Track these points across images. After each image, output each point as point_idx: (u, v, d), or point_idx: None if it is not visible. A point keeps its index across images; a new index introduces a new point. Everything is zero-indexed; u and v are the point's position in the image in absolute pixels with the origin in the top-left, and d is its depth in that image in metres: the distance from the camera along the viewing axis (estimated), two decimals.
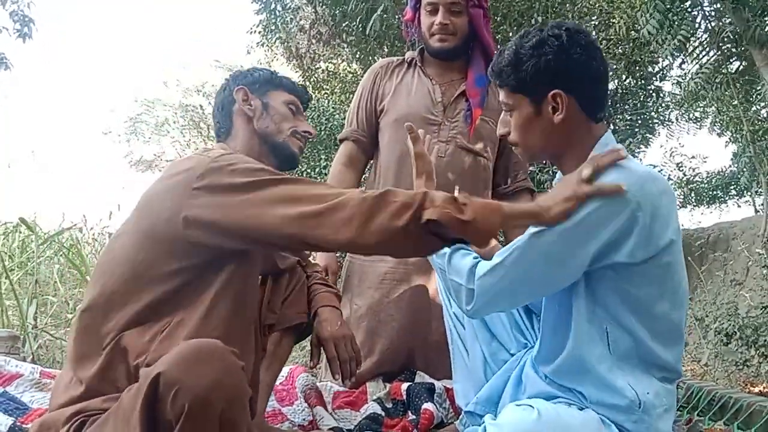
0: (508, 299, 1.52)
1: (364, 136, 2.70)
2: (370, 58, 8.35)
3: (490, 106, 2.57)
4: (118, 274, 1.46)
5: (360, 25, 7.71)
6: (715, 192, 11.98)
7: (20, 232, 5.69)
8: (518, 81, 1.49)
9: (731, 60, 7.57)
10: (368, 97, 2.70)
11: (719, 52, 7.28)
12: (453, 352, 1.94)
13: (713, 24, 7.15)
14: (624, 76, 7.94)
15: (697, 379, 4.27)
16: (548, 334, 1.56)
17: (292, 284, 1.90)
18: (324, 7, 8.62)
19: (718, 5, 6.84)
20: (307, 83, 10.40)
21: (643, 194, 1.35)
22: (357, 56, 9.02)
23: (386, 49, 8.11)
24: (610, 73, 7.39)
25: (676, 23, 6.37)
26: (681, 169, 12.32)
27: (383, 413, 2.11)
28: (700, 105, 10.95)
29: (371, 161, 2.79)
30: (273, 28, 9.73)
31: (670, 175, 12.08)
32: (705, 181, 12.07)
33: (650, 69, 8.31)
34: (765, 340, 4.60)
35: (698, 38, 7.36)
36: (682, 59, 8.00)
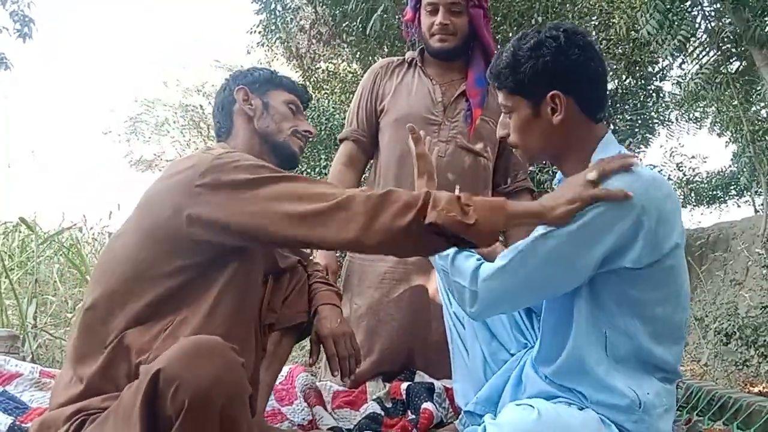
0: (512, 302, 1.52)
1: (365, 136, 2.70)
2: (370, 58, 8.35)
3: (490, 106, 2.57)
4: (118, 274, 1.46)
5: (360, 25, 7.71)
6: (714, 192, 11.99)
7: (20, 232, 5.69)
8: (516, 83, 1.50)
9: (731, 60, 7.57)
10: (368, 97, 2.70)
11: (719, 52, 7.28)
12: (453, 351, 1.94)
13: (713, 24, 7.15)
14: (624, 76, 7.94)
15: (697, 379, 4.27)
16: (548, 334, 1.56)
17: (292, 284, 1.90)
18: (324, 7, 8.62)
19: (718, 5, 6.85)
20: (307, 83, 10.40)
21: (649, 198, 1.35)
22: (357, 56, 9.02)
23: (386, 49, 8.11)
24: (610, 73, 7.41)
25: (676, 23, 6.37)
26: (681, 169, 12.33)
27: (383, 413, 2.11)
28: (700, 105, 10.96)
29: (371, 161, 2.79)
30: (273, 28, 9.73)
31: (670, 175, 12.09)
32: (705, 181, 12.08)
33: (650, 69, 8.31)
34: (764, 340, 4.61)
35: (698, 38, 7.36)
36: (682, 59, 8.01)
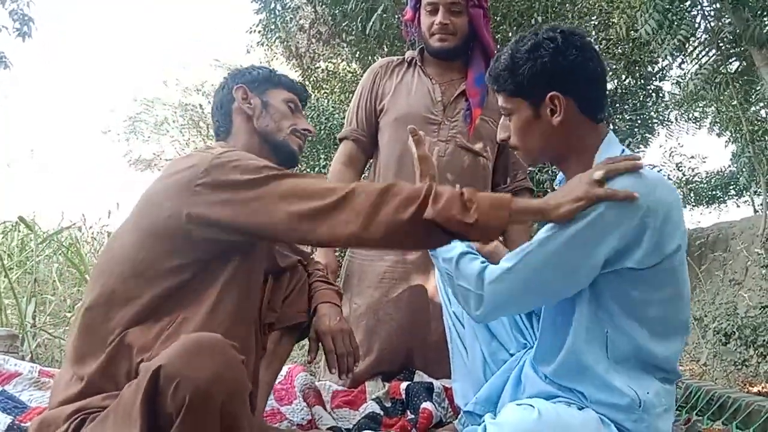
0: (517, 305, 1.53)
1: (364, 136, 2.70)
2: (370, 57, 8.34)
3: (489, 106, 2.58)
4: (117, 273, 1.46)
5: (360, 25, 7.70)
6: (714, 192, 11.98)
7: (19, 231, 5.68)
8: (515, 85, 1.50)
9: (730, 60, 7.56)
10: (368, 96, 2.70)
11: (718, 52, 7.27)
12: (452, 351, 1.94)
13: (712, 24, 7.15)
14: (623, 76, 7.94)
15: (696, 378, 4.27)
16: (548, 333, 1.56)
17: (293, 283, 1.90)
18: (324, 6, 8.61)
19: (718, 5, 6.84)
20: (307, 83, 10.39)
21: (654, 200, 1.35)
22: (356, 56, 9.01)
23: (386, 49, 8.10)
24: (610, 73, 7.41)
25: (676, 23, 6.36)
26: (680, 169, 12.32)
27: (382, 412, 2.11)
28: (700, 105, 10.95)
29: (371, 160, 2.79)
30: (273, 27, 9.72)
31: (669, 175, 12.08)
32: (704, 181, 12.07)
33: (650, 69, 8.31)
34: (764, 340, 4.60)
35: (698, 38, 7.36)
36: (682, 59, 8.00)
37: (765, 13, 6.35)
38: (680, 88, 9.92)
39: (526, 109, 1.51)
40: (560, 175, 1.66)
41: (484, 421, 1.40)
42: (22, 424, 1.74)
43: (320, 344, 1.84)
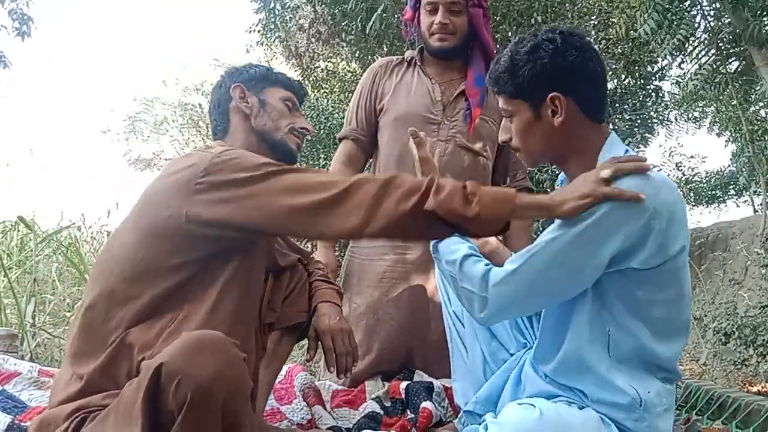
0: (522, 307, 1.52)
1: (364, 135, 2.70)
2: (370, 57, 8.33)
3: (489, 106, 2.58)
4: (117, 273, 1.46)
5: (359, 25, 7.70)
6: (714, 192, 11.99)
7: (19, 231, 5.68)
8: (516, 87, 1.50)
9: (730, 60, 7.56)
10: (368, 96, 2.70)
11: (718, 52, 7.27)
12: (452, 350, 1.94)
13: (712, 24, 7.14)
14: (623, 76, 7.93)
15: (696, 378, 4.27)
16: (548, 332, 1.56)
17: (293, 283, 1.89)
18: (323, 6, 8.61)
19: (717, 5, 6.84)
20: (307, 82, 10.38)
21: (660, 201, 1.35)
22: (356, 55, 9.00)
23: (385, 49, 8.10)
24: (609, 73, 7.40)
25: (675, 23, 6.36)
26: (680, 168, 12.32)
27: (382, 412, 2.11)
28: (699, 105, 10.96)
29: (370, 160, 2.79)
30: (272, 27, 9.71)
31: (669, 174, 12.07)
32: (704, 181, 12.07)
33: (649, 69, 8.29)
34: (763, 340, 4.61)
35: (697, 38, 7.36)
36: (681, 59, 8.00)
37: (765, 13, 6.35)
38: (680, 87, 9.92)
39: (526, 111, 1.51)
40: (561, 175, 1.66)
41: (484, 420, 1.40)
42: (22, 424, 1.74)
43: (319, 343, 1.84)
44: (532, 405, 1.36)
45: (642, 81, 8.16)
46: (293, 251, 1.95)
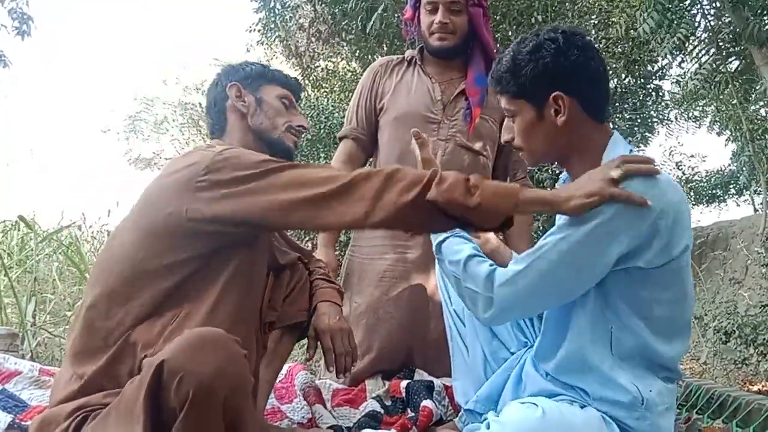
0: (527, 307, 1.52)
1: (364, 134, 2.70)
2: (370, 56, 8.33)
3: (489, 105, 2.58)
4: (117, 272, 1.46)
5: (359, 24, 7.69)
6: (714, 191, 11.97)
7: (19, 230, 5.69)
8: (518, 87, 1.50)
9: (730, 59, 7.56)
10: (368, 95, 2.70)
11: (718, 51, 7.27)
12: (453, 349, 1.94)
13: (712, 23, 7.14)
14: (623, 75, 7.93)
15: (696, 377, 4.27)
16: (551, 330, 1.56)
17: (293, 281, 1.89)
18: (323, 5, 8.60)
19: (717, 4, 6.84)
20: (307, 81, 10.38)
21: (667, 201, 1.36)
22: (356, 55, 8.99)
23: (386, 48, 8.09)
24: (610, 72, 7.39)
25: (675, 22, 6.36)
26: (680, 168, 12.30)
27: (382, 411, 2.11)
28: (700, 104, 10.95)
29: (370, 159, 2.79)
30: (272, 26, 9.71)
31: (669, 174, 12.04)
32: (704, 180, 12.06)
33: (649, 68, 8.29)
34: (764, 339, 4.61)
35: (697, 37, 7.35)
36: (682, 58, 7.99)
37: (765, 12, 6.34)
38: (680, 86, 9.91)
39: (529, 111, 1.51)
40: (564, 175, 1.66)
41: (485, 419, 1.40)
42: (23, 423, 1.74)
43: (319, 343, 1.84)
44: (534, 404, 1.36)
45: (642, 80, 8.16)
46: (293, 249, 1.95)
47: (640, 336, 1.43)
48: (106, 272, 1.49)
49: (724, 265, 7.36)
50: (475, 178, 1.37)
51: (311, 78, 10.51)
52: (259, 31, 9.97)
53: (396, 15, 7.03)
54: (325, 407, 2.12)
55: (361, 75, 2.93)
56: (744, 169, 10.26)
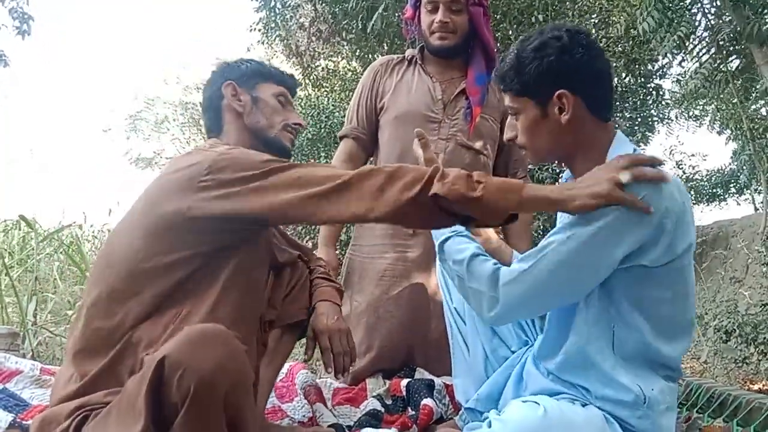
0: (532, 306, 1.50)
1: (364, 134, 2.70)
2: (370, 55, 8.34)
3: (489, 104, 2.58)
4: (117, 271, 1.46)
5: (360, 23, 7.70)
6: (714, 190, 11.96)
7: (20, 230, 5.70)
8: (522, 84, 1.49)
9: (731, 58, 7.56)
10: (368, 94, 2.70)
11: (719, 50, 7.26)
12: (453, 347, 1.94)
13: (713, 21, 7.14)
14: (624, 74, 7.93)
15: (697, 376, 4.28)
16: (553, 329, 1.56)
17: (294, 280, 1.89)
18: (324, 4, 8.61)
19: (718, 2, 6.84)
20: (307, 81, 10.39)
21: (672, 201, 1.35)
22: (357, 54, 9.00)
23: (386, 47, 8.10)
24: None
25: (675, 21, 6.36)
26: (680, 167, 12.30)
27: (383, 409, 2.11)
28: (700, 103, 10.96)
29: (371, 158, 2.79)
30: (273, 25, 9.71)
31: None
32: (705, 179, 12.05)
33: (650, 67, 8.29)
34: (764, 338, 4.61)
35: (698, 36, 7.35)
36: (682, 57, 7.99)
37: (765, 11, 6.34)
38: (680, 85, 9.94)
39: (533, 109, 1.50)
40: (566, 173, 1.66)
41: (487, 417, 1.40)
42: (24, 422, 1.75)
43: (317, 343, 1.83)
44: (535, 403, 1.36)
45: (642, 79, 8.16)
46: (293, 248, 1.94)
47: (643, 335, 1.43)
48: (106, 271, 1.49)
49: (725, 264, 7.36)
50: (479, 174, 1.37)
51: (312, 77, 10.51)
52: (259, 30, 9.98)
53: (396, 14, 7.04)
54: (326, 406, 2.12)
55: (362, 74, 2.93)
56: (744, 168, 10.27)
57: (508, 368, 1.73)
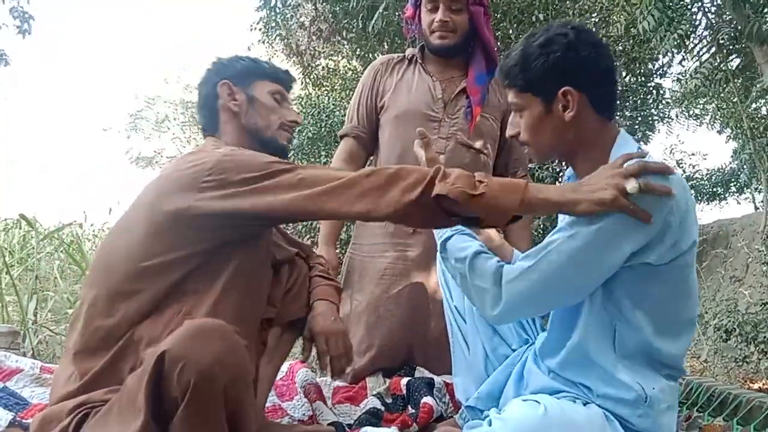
0: (536, 305, 1.50)
1: (365, 133, 2.70)
2: (371, 55, 8.34)
3: (490, 103, 2.58)
4: (116, 270, 1.46)
5: (360, 22, 7.70)
6: (715, 189, 11.95)
7: (20, 228, 5.70)
8: (527, 80, 1.49)
9: (731, 57, 7.56)
10: (369, 93, 2.70)
11: (719, 49, 7.26)
12: (453, 345, 1.94)
13: (713, 20, 7.14)
14: (624, 74, 7.92)
15: (697, 375, 4.28)
16: (556, 327, 1.56)
17: (292, 278, 1.88)
18: (324, 3, 8.61)
19: (718, 1, 6.84)
20: (308, 80, 10.39)
21: (677, 199, 1.35)
22: (357, 53, 9.00)
23: (386, 46, 8.10)
24: None
25: (676, 20, 6.36)
26: (681, 166, 12.28)
27: (383, 408, 2.12)
28: (700, 102, 10.96)
29: (371, 157, 2.79)
30: (273, 24, 9.71)
31: None
32: (705, 178, 12.04)
33: (650, 66, 8.28)
34: (764, 337, 4.61)
35: (698, 35, 7.35)
36: (682, 56, 8.00)
37: (766, 10, 6.34)
38: (681, 84, 9.93)
39: (537, 105, 1.49)
40: (569, 171, 1.65)
41: (488, 416, 1.40)
42: (24, 421, 1.75)
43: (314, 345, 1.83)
44: (536, 401, 1.36)
45: (643, 78, 8.15)
46: (291, 245, 1.93)
47: (644, 333, 1.42)
48: (105, 270, 1.49)
49: (725, 263, 7.36)
50: (481, 174, 1.37)
51: (312, 76, 10.51)
52: (260, 29, 9.98)
53: (397, 13, 7.04)
54: (326, 404, 2.12)
55: (362, 73, 2.93)
56: (745, 167, 10.26)
57: (509, 366, 1.73)
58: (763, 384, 4.52)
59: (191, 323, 1.23)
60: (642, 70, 8.02)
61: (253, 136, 1.73)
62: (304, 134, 7.41)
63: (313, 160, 7.56)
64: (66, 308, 4.60)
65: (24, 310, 3.89)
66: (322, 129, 7.50)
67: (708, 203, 12.33)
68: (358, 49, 8.83)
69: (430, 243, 2.39)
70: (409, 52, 2.75)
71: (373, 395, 2.23)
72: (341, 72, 10.54)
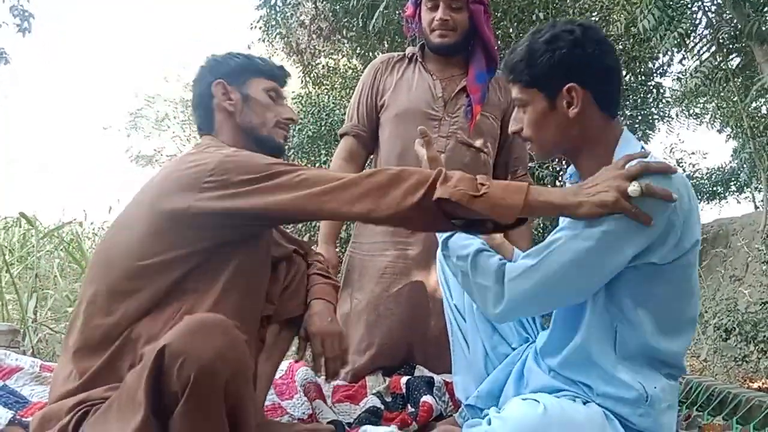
0: (538, 304, 1.49)
1: (365, 131, 2.70)
2: (371, 53, 8.34)
3: (490, 102, 2.58)
4: (115, 269, 1.46)
5: (360, 21, 7.70)
6: (715, 188, 11.96)
7: (20, 227, 5.70)
8: (532, 76, 1.48)
9: (731, 56, 7.55)
10: (369, 92, 2.70)
11: (719, 48, 7.26)
12: (453, 344, 1.94)
13: (713, 19, 7.13)
14: (624, 73, 7.93)
15: (696, 374, 4.28)
16: (558, 326, 1.56)
17: (290, 275, 1.87)
18: (324, 2, 8.62)
19: (719, 0, 6.83)
20: (308, 78, 10.39)
21: (680, 198, 1.35)
22: (357, 52, 9.00)
23: (386, 45, 8.10)
24: None
25: (676, 19, 6.36)
26: (681, 165, 12.29)
27: (382, 407, 2.11)
28: (700, 101, 10.96)
29: (371, 156, 2.79)
30: (273, 23, 9.71)
31: None
32: (705, 177, 12.05)
33: (650, 65, 8.29)
34: (764, 336, 4.61)
35: (698, 34, 7.35)
36: (682, 55, 7.99)
37: (766, 9, 6.33)
38: (681, 83, 9.93)
39: (541, 101, 1.49)
40: (571, 168, 1.65)
41: (488, 415, 1.40)
42: (24, 419, 1.74)
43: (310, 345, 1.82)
44: (536, 400, 1.35)
45: (643, 77, 8.15)
46: (290, 242, 1.93)
47: (645, 333, 1.42)
48: (105, 266, 1.49)
49: (725, 262, 7.37)
50: (483, 177, 1.37)
51: (312, 75, 10.52)
52: (260, 28, 9.98)
53: (397, 12, 7.04)
54: (326, 403, 2.12)
55: (362, 72, 2.93)
56: (745, 166, 10.26)
57: (509, 365, 1.73)
58: (763, 383, 4.53)
59: (191, 318, 1.23)
60: (642, 69, 8.02)
61: (248, 135, 1.72)
62: (304, 133, 7.42)
63: (312, 158, 7.56)
64: (66, 307, 4.60)
65: (24, 308, 3.89)
66: (322, 128, 7.50)
67: (708, 202, 12.34)
68: (359, 48, 8.83)
69: (430, 242, 2.39)
70: (409, 50, 2.75)
71: (373, 394, 2.23)
72: (341, 70, 10.55)
